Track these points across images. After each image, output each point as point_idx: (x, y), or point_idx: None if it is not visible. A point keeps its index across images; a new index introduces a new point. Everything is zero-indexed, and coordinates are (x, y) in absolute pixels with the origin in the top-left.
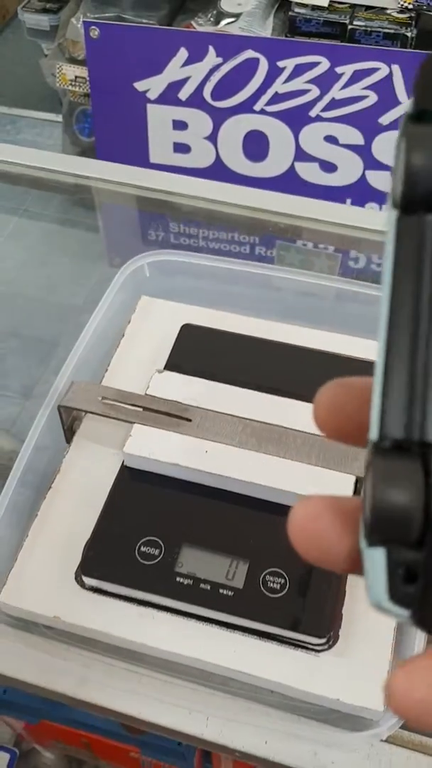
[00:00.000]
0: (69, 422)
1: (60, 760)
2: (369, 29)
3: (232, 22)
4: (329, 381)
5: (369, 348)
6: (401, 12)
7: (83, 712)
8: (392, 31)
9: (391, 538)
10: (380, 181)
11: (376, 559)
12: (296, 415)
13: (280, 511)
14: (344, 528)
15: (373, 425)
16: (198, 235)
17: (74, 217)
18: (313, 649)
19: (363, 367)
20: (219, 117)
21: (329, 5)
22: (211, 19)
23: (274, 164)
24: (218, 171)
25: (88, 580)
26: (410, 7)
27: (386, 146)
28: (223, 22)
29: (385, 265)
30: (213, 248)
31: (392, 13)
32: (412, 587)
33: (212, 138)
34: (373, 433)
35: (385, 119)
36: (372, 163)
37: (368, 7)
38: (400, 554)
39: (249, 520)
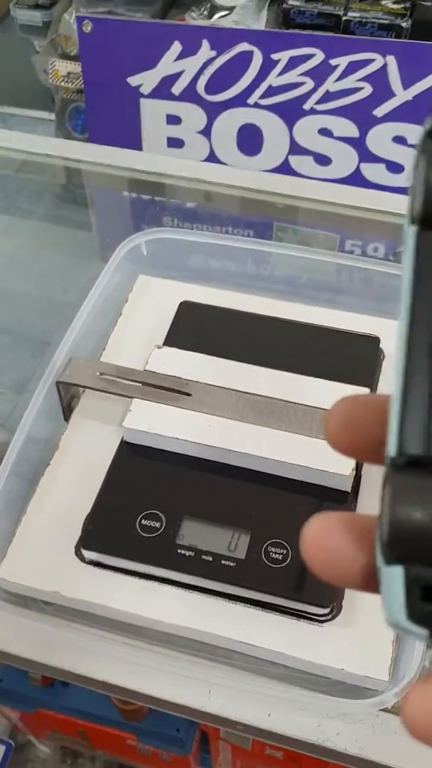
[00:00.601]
0: (67, 399)
1: (55, 753)
2: (364, 20)
3: (225, 15)
4: (341, 398)
5: (365, 323)
6: (396, 2)
7: (80, 699)
8: (387, 21)
9: (409, 556)
10: (375, 173)
11: (393, 577)
12: (295, 388)
13: (281, 483)
14: (358, 545)
15: (390, 441)
16: (193, 219)
17: (66, 213)
18: (316, 620)
19: (361, 342)
20: (213, 111)
21: None
22: (205, 12)
23: (269, 158)
24: None
25: (88, 554)
26: None
27: (381, 138)
28: (217, 15)
29: (404, 280)
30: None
31: (387, 4)
32: (430, 606)
33: (206, 132)
34: (391, 450)
35: (379, 111)
36: (367, 155)
37: None
38: (419, 572)
39: (250, 493)
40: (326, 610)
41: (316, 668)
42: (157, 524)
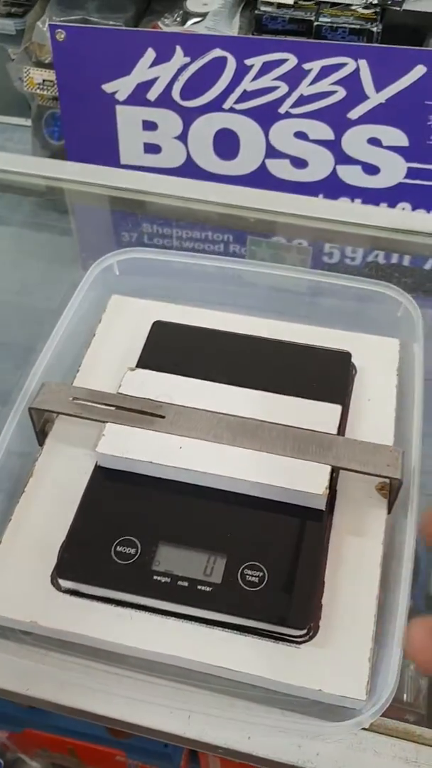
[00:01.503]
0: (41, 424)
1: None
2: (335, 25)
3: (198, 21)
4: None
5: (337, 338)
6: (366, 8)
7: (67, 718)
8: (358, 26)
9: None
10: (351, 175)
11: None
12: (270, 407)
13: (257, 504)
14: None
15: None
16: (172, 235)
17: (46, 220)
18: (293, 641)
19: (332, 357)
20: (189, 116)
21: (294, 3)
22: (178, 19)
23: (245, 162)
24: (189, 170)
25: (65, 583)
26: (375, 2)
27: (356, 141)
28: (190, 21)
29: None
30: (186, 245)
31: (357, 9)
32: None
33: (182, 137)
34: None
35: (353, 114)
36: (342, 157)
37: (333, 4)
38: None
39: (225, 515)
40: (303, 632)
41: (295, 690)
42: (133, 550)
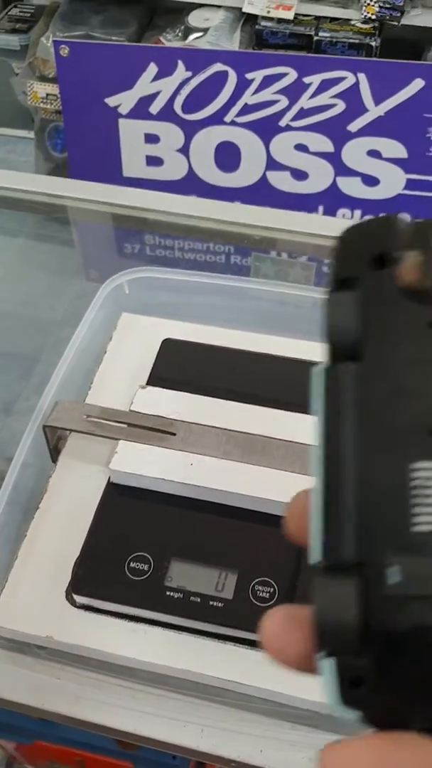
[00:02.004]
0: (54, 441)
1: None
2: (334, 40)
3: (200, 36)
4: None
5: None
6: (365, 22)
7: (76, 730)
8: (357, 41)
9: (336, 650)
10: (351, 187)
11: (326, 667)
12: (279, 424)
13: (267, 520)
14: (301, 635)
15: (313, 549)
16: (174, 247)
17: (50, 232)
18: None
19: None
20: (190, 129)
21: (294, 18)
22: (179, 34)
23: (246, 174)
24: (191, 183)
25: (79, 598)
26: (373, 17)
27: (356, 153)
28: (191, 36)
29: (317, 408)
30: (188, 260)
31: (356, 24)
32: (359, 691)
33: (184, 150)
34: (315, 556)
35: (353, 126)
36: (342, 169)
37: (333, 19)
38: (346, 663)
39: (236, 531)
40: None
41: (305, 703)
42: (146, 566)
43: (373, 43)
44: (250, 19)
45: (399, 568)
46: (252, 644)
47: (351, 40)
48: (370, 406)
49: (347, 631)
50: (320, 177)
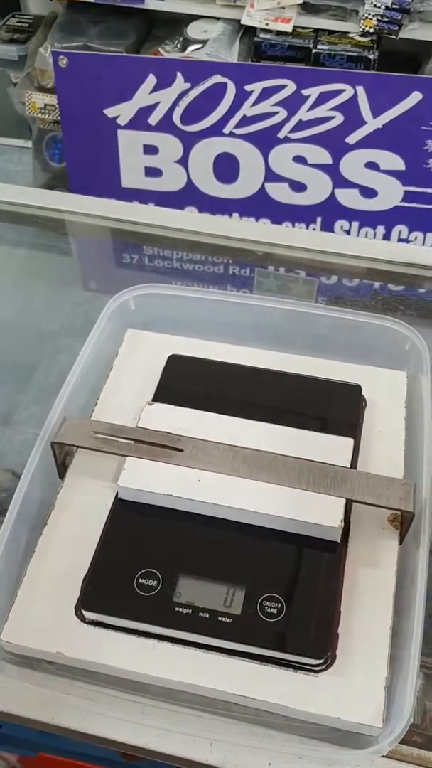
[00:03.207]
0: (62, 457)
1: None
2: (333, 52)
3: (198, 48)
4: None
5: (349, 372)
6: (363, 36)
7: (80, 743)
8: (355, 54)
9: None
10: (349, 198)
11: None
12: (284, 440)
13: (273, 536)
14: None
15: None
16: (172, 258)
17: (48, 242)
18: (311, 670)
19: (343, 390)
20: (189, 141)
21: (293, 30)
22: (178, 45)
23: (245, 186)
24: (190, 194)
25: (89, 614)
26: (371, 31)
27: (354, 165)
28: (190, 48)
29: None
30: (187, 271)
31: (354, 37)
32: None
33: (183, 161)
34: None
35: (351, 138)
36: (340, 181)
37: (331, 32)
38: None
39: (243, 547)
40: (321, 661)
41: (313, 717)
42: (154, 582)
43: (371, 56)
44: (249, 31)
45: None
46: (260, 659)
47: (349, 53)
48: None
49: None
50: (318, 189)
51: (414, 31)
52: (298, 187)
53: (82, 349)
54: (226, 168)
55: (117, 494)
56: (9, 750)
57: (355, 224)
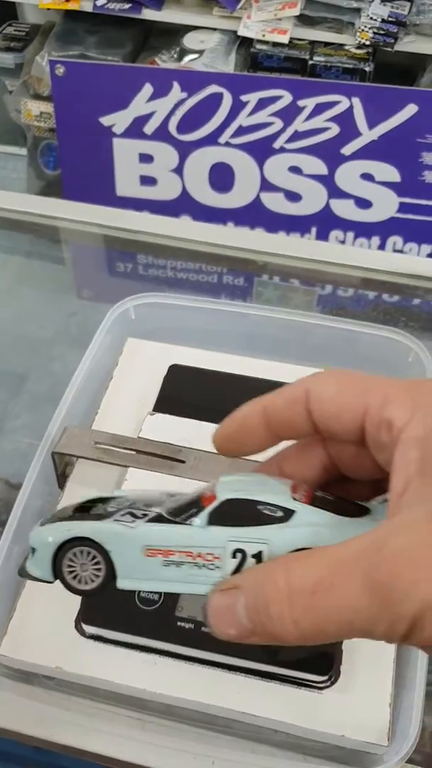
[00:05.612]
0: (62, 467)
1: None
2: (329, 64)
3: (195, 58)
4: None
5: None
6: (359, 48)
7: (73, 759)
8: (351, 65)
9: None
10: (344, 209)
11: None
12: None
13: None
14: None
15: None
16: (166, 267)
17: (40, 249)
18: (316, 687)
19: None
20: (184, 150)
21: (289, 42)
22: (174, 55)
23: (240, 195)
24: (185, 203)
25: (89, 628)
26: (367, 43)
27: (349, 176)
28: (187, 58)
29: None
30: (182, 280)
31: (350, 49)
32: None
33: (178, 170)
34: None
35: (347, 150)
36: (335, 192)
37: (327, 44)
38: None
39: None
40: (325, 678)
41: (317, 735)
42: (156, 596)
43: (367, 68)
44: (246, 42)
45: None
46: (263, 676)
47: (345, 65)
48: None
49: None
50: (314, 199)
51: (410, 44)
52: (293, 197)
53: (82, 358)
54: (222, 177)
55: None
56: (4, 767)
57: (350, 235)
